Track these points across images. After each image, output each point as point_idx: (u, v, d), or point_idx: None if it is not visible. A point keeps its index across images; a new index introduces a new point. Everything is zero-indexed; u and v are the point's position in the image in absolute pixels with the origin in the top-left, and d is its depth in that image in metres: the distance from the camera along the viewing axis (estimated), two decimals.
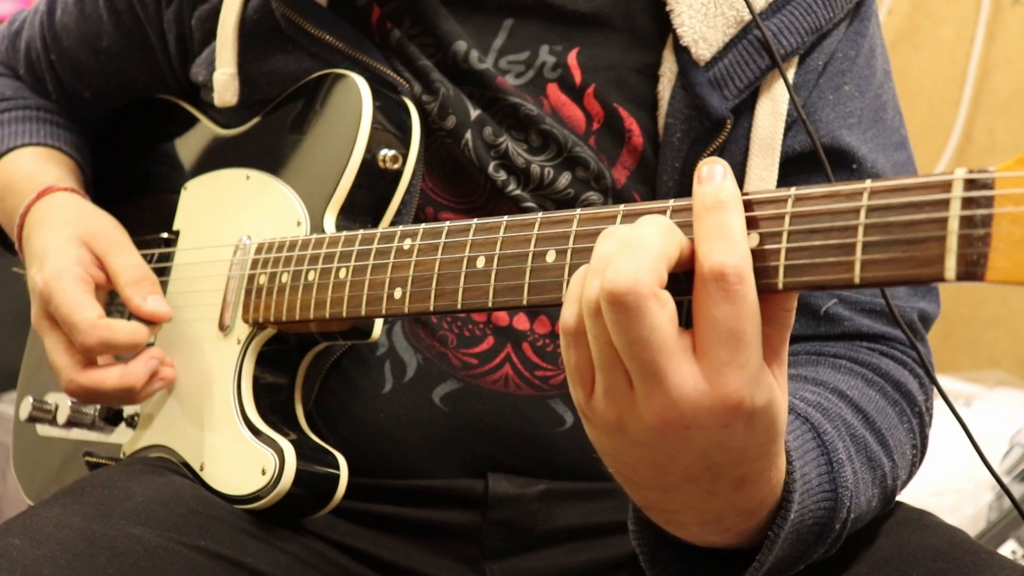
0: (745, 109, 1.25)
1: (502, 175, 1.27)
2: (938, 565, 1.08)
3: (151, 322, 1.30)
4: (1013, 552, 2.10)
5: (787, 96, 1.23)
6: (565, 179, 1.28)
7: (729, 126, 1.23)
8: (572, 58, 1.28)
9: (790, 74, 1.24)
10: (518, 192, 1.28)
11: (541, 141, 1.28)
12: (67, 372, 1.28)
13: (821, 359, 1.23)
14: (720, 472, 0.88)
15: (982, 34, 2.84)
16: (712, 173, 0.84)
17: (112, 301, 1.37)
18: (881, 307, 1.24)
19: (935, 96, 2.93)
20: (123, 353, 1.27)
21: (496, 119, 1.28)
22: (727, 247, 0.81)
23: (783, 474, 0.95)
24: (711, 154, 1.24)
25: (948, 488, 2.18)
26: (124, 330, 1.26)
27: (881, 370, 1.21)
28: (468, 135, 1.27)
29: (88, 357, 1.28)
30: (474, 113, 1.27)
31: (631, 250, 0.82)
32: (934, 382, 1.23)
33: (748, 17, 1.22)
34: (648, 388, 0.83)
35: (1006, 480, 2.21)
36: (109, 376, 1.27)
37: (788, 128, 1.25)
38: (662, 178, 1.26)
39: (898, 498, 1.21)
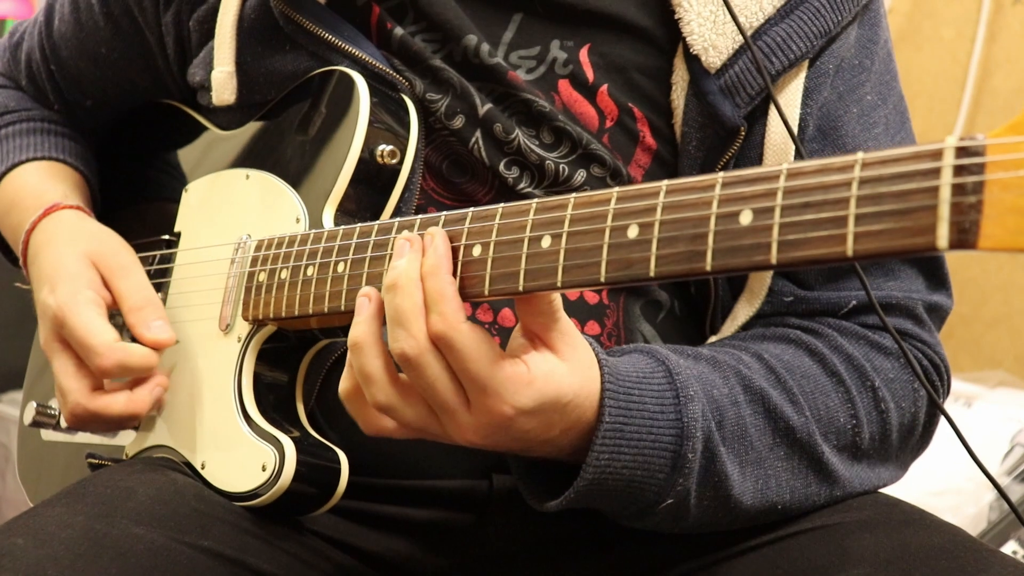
0: (759, 116, 1.25)
1: (514, 172, 1.26)
2: (941, 564, 1.08)
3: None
4: (1014, 552, 2.10)
5: (799, 101, 1.24)
6: (581, 176, 1.27)
7: (743, 134, 1.23)
8: (584, 55, 1.27)
9: (801, 78, 1.25)
10: (529, 190, 1.27)
11: (553, 138, 1.27)
12: (74, 395, 1.29)
13: (776, 332, 1.25)
14: (532, 438, 1.05)
15: (983, 34, 2.84)
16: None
17: (112, 316, 1.38)
18: (889, 301, 1.24)
19: (936, 96, 2.93)
20: (137, 375, 1.29)
21: (507, 115, 1.26)
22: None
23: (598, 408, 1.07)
24: (727, 161, 1.24)
25: (949, 488, 2.18)
26: (139, 352, 1.27)
27: (836, 344, 1.22)
28: (477, 134, 1.26)
29: (103, 377, 1.29)
30: (483, 109, 1.26)
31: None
32: (925, 386, 1.23)
33: (757, 24, 1.23)
34: (458, 415, 1.04)
35: (1007, 480, 2.21)
36: (116, 401, 1.28)
37: (805, 134, 1.25)
38: None
39: (898, 497, 1.21)
